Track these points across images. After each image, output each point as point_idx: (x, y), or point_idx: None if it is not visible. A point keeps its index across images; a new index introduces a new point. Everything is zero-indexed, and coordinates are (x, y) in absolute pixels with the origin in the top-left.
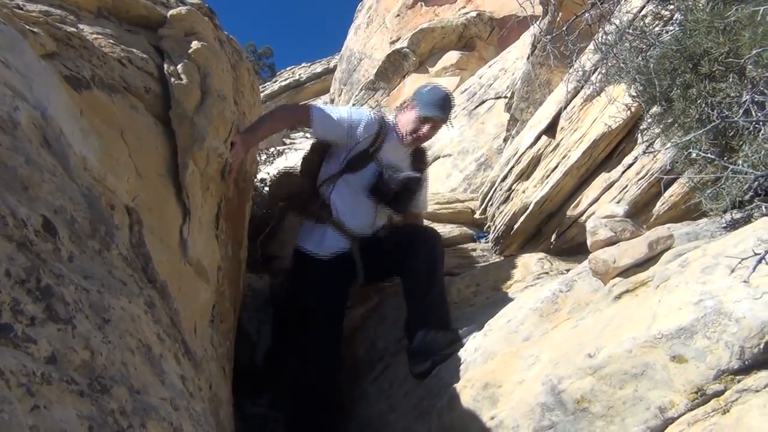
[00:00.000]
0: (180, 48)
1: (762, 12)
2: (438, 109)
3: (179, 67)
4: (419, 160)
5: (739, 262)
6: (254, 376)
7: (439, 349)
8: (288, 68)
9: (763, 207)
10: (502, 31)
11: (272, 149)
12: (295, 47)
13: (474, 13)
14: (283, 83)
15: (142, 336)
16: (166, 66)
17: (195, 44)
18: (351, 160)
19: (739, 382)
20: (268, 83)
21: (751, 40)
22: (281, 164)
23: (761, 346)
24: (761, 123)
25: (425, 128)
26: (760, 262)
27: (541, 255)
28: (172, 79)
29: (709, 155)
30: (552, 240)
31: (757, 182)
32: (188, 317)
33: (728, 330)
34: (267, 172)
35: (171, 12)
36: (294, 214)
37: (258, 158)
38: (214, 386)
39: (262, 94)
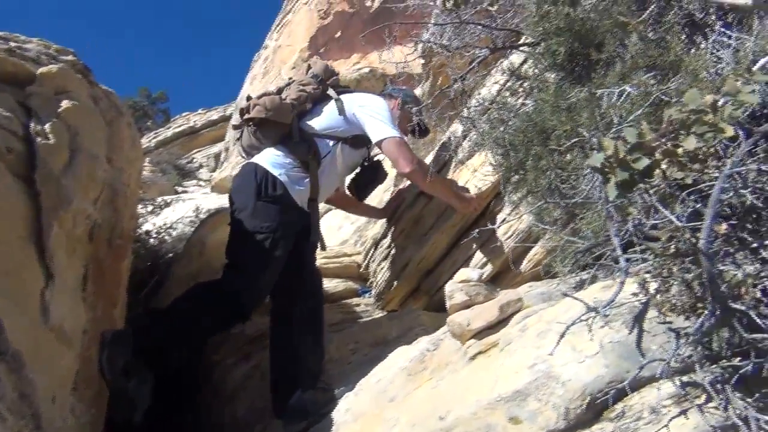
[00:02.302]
0: (49, 106)
1: (598, 95)
2: None
3: (47, 126)
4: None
5: (567, 328)
6: None
7: (315, 409)
8: (183, 114)
9: (601, 272)
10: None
11: (159, 199)
12: (191, 93)
13: (367, 69)
14: (177, 129)
15: None
16: (32, 125)
17: (65, 103)
18: (358, 137)
19: None
20: (162, 129)
21: (588, 120)
22: (168, 215)
23: (583, 407)
24: (578, 202)
25: None
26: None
27: (420, 311)
28: (39, 139)
29: (546, 227)
30: (430, 296)
31: (587, 252)
32: (46, 386)
33: (556, 392)
34: (153, 223)
35: (41, 70)
36: (266, 137)
37: (143, 210)
38: None
39: (155, 140)
